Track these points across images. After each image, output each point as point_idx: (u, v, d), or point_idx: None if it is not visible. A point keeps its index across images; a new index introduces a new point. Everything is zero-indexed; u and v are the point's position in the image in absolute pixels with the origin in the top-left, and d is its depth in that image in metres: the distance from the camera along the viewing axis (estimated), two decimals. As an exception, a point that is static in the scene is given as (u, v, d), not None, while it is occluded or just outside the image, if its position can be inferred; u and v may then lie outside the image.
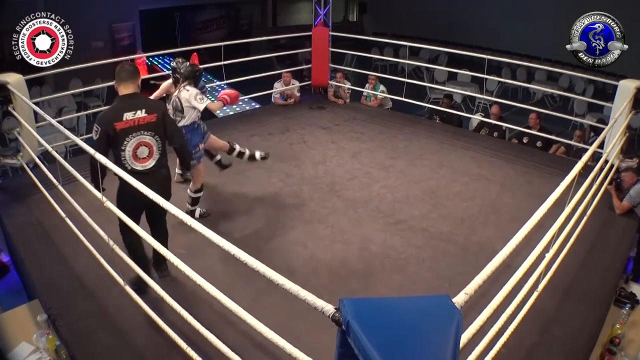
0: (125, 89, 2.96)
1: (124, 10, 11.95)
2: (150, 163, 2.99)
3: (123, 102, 2.93)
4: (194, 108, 3.78)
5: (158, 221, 3.22)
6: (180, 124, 3.75)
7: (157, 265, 3.30)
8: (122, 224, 2.91)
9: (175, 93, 3.83)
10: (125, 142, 2.90)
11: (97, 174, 2.90)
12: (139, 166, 2.96)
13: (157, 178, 3.01)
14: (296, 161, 5.32)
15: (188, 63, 3.88)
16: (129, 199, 2.92)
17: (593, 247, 3.83)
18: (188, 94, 3.76)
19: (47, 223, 3.96)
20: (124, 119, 2.87)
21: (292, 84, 7.27)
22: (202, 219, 4.18)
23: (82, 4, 10.43)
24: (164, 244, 3.03)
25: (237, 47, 6.85)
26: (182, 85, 3.80)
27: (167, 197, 2.97)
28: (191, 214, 4.15)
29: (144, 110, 2.92)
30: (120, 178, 2.71)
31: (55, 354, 2.86)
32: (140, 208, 3.03)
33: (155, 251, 2.72)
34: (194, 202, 4.17)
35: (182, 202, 4.22)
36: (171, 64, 3.98)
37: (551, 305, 3.13)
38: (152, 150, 2.97)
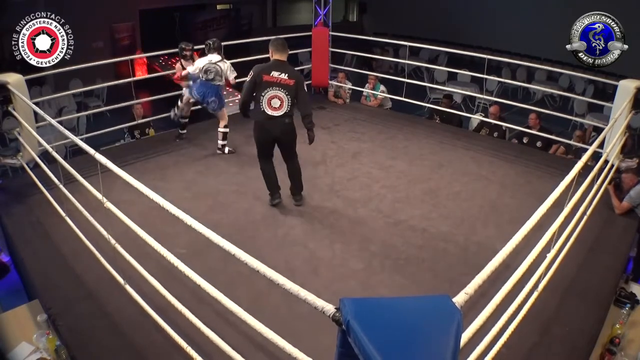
0: (278, 56, 3.98)
1: (124, 10, 11.94)
2: (280, 112, 3.96)
3: (275, 64, 3.97)
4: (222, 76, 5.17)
5: (288, 159, 4.28)
6: (218, 84, 5.14)
7: (293, 194, 4.40)
8: (258, 154, 4.22)
9: (215, 61, 5.08)
10: (265, 91, 3.91)
11: (244, 111, 4.17)
12: (270, 112, 3.95)
13: (281, 123, 4.01)
14: (296, 161, 5.31)
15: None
16: (259, 134, 4.09)
17: (593, 247, 3.83)
18: (225, 66, 5.15)
19: (47, 223, 3.96)
20: (271, 74, 3.91)
21: None
22: (230, 154, 5.42)
23: (82, 4, 10.42)
24: (296, 177, 4.36)
25: (237, 47, 6.82)
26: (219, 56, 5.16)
27: (290, 137, 4.14)
28: (222, 149, 5.42)
29: (286, 75, 3.93)
30: (255, 120, 4.06)
31: (55, 354, 2.86)
32: (268, 141, 4.12)
33: (291, 183, 4.36)
34: (224, 136, 5.38)
35: (182, 202, 4.22)
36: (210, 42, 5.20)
37: (551, 305, 3.13)
38: (283, 103, 3.94)
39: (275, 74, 3.91)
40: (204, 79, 5.09)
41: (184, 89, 5.53)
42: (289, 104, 3.96)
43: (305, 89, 4.05)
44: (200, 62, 5.08)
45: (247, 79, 4.01)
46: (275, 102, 3.92)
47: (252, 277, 2.80)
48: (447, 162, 5.41)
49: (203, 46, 5.28)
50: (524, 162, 5.48)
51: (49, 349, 2.88)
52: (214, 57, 5.11)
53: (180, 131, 5.83)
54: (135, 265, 2.86)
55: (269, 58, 4.08)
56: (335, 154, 5.55)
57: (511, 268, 2.27)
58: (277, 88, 3.91)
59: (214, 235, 2.03)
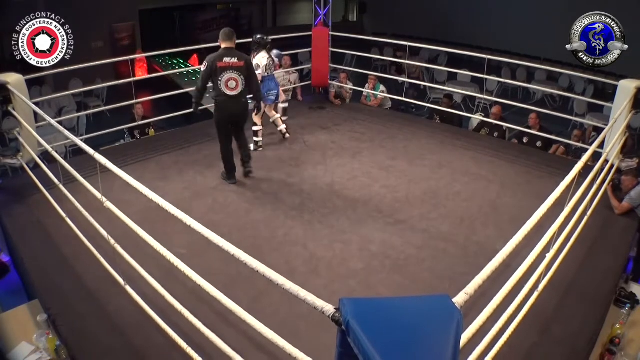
0: (226, 44, 4.49)
1: (124, 10, 11.94)
2: (236, 92, 4.49)
3: (224, 52, 4.48)
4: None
5: (239, 133, 4.81)
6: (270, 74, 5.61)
7: (244, 164, 4.89)
8: (220, 134, 4.69)
9: (267, 56, 5.52)
10: (222, 75, 4.42)
11: (198, 99, 4.65)
12: (228, 92, 4.46)
13: (239, 102, 4.57)
14: (296, 161, 5.32)
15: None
16: (220, 113, 4.58)
17: (593, 247, 3.83)
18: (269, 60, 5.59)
19: (47, 223, 3.96)
20: (224, 60, 4.43)
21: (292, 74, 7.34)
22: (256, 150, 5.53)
23: (82, 4, 10.41)
24: (246, 148, 4.89)
25: (237, 46, 6.83)
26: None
27: (245, 115, 4.73)
28: (254, 144, 5.60)
29: (236, 58, 4.47)
30: (215, 101, 4.54)
31: (55, 354, 2.86)
32: (228, 120, 4.63)
33: (241, 154, 4.85)
34: (255, 134, 5.57)
35: (182, 202, 4.22)
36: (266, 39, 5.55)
37: (551, 305, 3.13)
38: (238, 84, 4.47)
39: (227, 59, 4.44)
40: (267, 74, 5.51)
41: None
42: (243, 83, 4.50)
43: (254, 68, 4.70)
44: (262, 61, 5.44)
45: (202, 68, 4.48)
46: (232, 84, 4.45)
47: (252, 277, 2.80)
48: (447, 162, 5.41)
49: (202, 47, 5.49)
50: (524, 162, 5.48)
51: (49, 349, 2.88)
52: (264, 53, 5.53)
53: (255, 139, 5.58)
54: (135, 266, 2.86)
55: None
56: (335, 154, 5.55)
57: (511, 268, 2.27)
58: (231, 71, 4.43)
59: (214, 236, 2.03)
